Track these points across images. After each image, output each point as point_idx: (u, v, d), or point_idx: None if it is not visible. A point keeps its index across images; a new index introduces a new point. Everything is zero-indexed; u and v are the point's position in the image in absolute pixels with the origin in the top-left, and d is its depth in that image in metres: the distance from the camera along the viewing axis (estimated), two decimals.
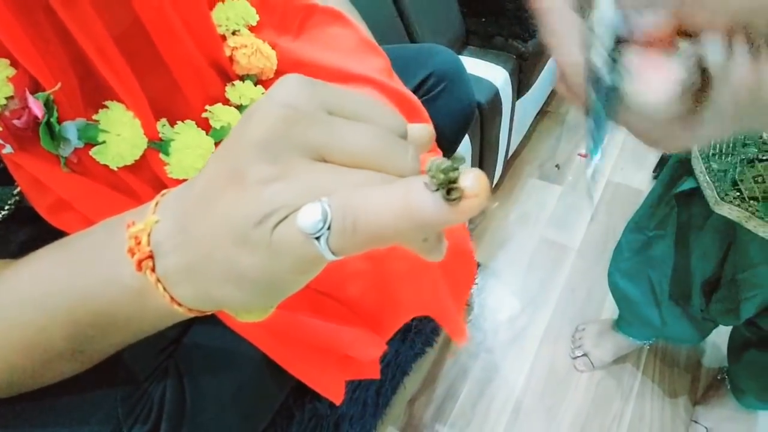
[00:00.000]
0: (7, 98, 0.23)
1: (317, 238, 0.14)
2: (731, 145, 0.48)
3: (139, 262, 0.18)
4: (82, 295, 0.21)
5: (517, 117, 1.02)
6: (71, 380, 0.26)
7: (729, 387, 0.79)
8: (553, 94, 1.35)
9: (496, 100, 0.83)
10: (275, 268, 0.16)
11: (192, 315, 0.20)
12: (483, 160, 0.93)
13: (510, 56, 0.88)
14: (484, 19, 0.84)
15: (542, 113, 1.38)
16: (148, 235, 0.18)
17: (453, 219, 0.15)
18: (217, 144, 0.32)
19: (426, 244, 0.18)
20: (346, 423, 0.56)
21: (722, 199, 0.51)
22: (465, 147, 0.75)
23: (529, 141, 1.34)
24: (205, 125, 0.32)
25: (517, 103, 0.98)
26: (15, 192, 0.32)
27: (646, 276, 0.72)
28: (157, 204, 0.20)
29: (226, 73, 0.33)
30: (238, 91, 0.33)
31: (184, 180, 0.32)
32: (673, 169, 0.62)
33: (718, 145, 0.50)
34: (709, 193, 0.52)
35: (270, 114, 0.16)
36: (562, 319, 0.99)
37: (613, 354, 0.90)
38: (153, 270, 0.18)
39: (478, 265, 0.90)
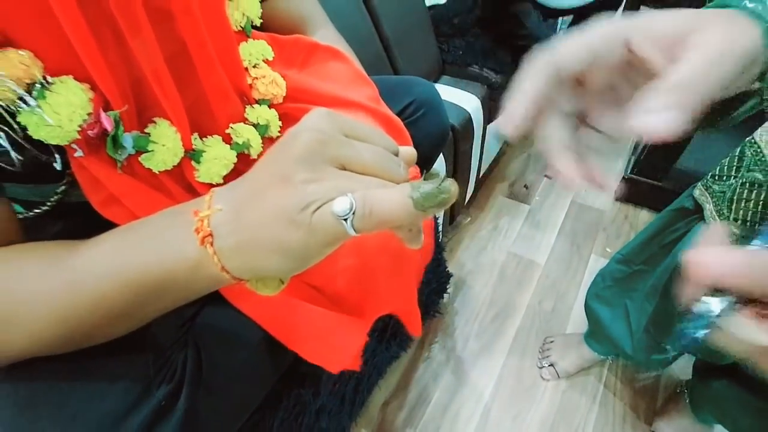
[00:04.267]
0: (87, 114, 0.31)
1: (345, 220, 0.23)
2: None
3: (203, 239, 0.26)
4: (149, 266, 0.28)
5: (488, 140, 1.14)
6: (109, 345, 0.33)
7: (688, 401, 0.86)
8: None
9: (468, 123, 0.95)
10: (311, 241, 0.25)
11: (233, 282, 0.28)
12: (456, 177, 1.04)
13: (482, 85, 1.00)
14: (461, 52, 0.96)
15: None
16: (209, 219, 0.27)
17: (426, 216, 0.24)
18: (238, 156, 0.40)
19: (411, 234, 0.28)
20: (325, 414, 0.63)
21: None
22: (440, 164, 0.85)
23: (500, 162, 1.48)
24: (227, 140, 0.41)
25: (488, 126, 1.11)
26: (59, 190, 0.39)
27: (623, 305, 0.80)
28: (210, 198, 0.28)
29: (247, 98, 0.42)
30: (255, 113, 0.42)
31: (209, 184, 0.40)
32: (670, 216, 0.67)
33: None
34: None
35: (307, 137, 0.25)
36: (529, 330, 1.09)
37: (577, 366, 0.99)
38: (212, 245, 0.27)
39: (450, 275, 0.99)
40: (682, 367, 0.98)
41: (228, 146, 0.40)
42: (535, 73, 0.25)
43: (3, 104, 0.28)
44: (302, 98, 0.45)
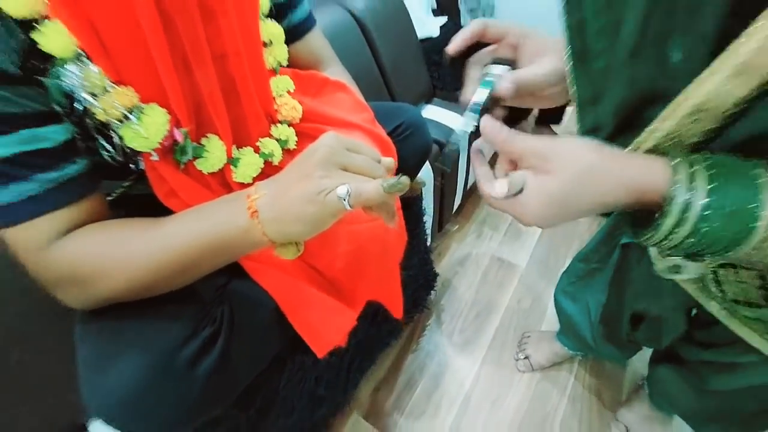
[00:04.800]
0: (166, 130, 0.44)
1: (344, 200, 0.37)
2: None
3: (252, 213, 0.40)
4: (215, 231, 0.42)
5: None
6: (169, 297, 0.46)
7: (647, 392, 0.95)
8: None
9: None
10: (323, 213, 0.38)
11: (267, 245, 0.42)
12: (444, 188, 1.17)
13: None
14: (449, 78, 1.11)
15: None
16: (256, 201, 0.40)
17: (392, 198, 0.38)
18: (265, 162, 0.54)
19: (388, 214, 0.41)
20: (323, 383, 0.75)
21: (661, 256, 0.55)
22: (427, 175, 0.99)
23: None
24: (257, 150, 0.54)
25: (476, 142, 1.24)
26: (124, 185, 0.53)
27: (585, 300, 0.89)
28: (255, 188, 0.41)
29: (273, 119, 0.56)
30: (278, 131, 0.55)
31: (241, 183, 0.53)
32: (617, 218, 0.73)
33: None
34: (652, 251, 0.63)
35: (322, 150, 0.39)
36: (508, 326, 1.21)
37: (550, 360, 1.10)
38: (258, 217, 0.40)
39: (436, 274, 1.11)
40: (644, 366, 1.09)
41: (257, 155, 0.53)
42: (472, 26, 0.42)
43: (112, 120, 0.41)
44: (315, 120, 0.59)
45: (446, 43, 0.44)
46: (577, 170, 0.34)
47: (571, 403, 1.06)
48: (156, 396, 0.41)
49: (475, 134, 0.40)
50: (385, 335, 0.94)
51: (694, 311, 0.68)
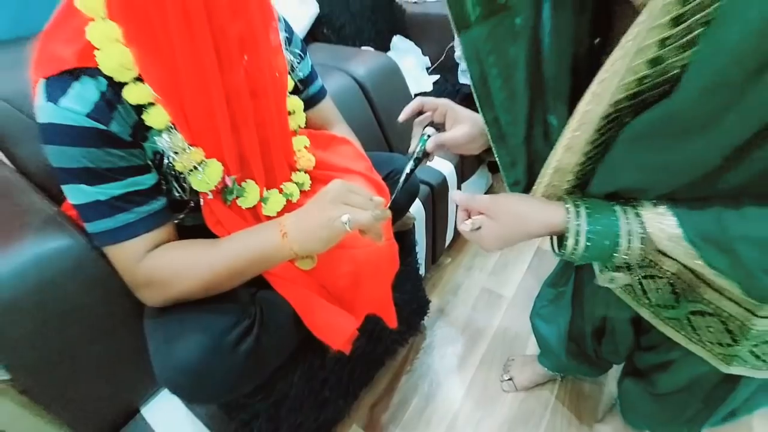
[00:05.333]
0: (221, 177, 0.62)
1: (345, 225, 0.54)
2: None
3: (283, 235, 0.57)
4: (256, 247, 0.59)
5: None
6: (218, 297, 0.62)
7: (619, 409, 1.03)
8: (496, 179, 1.83)
9: (444, 183, 1.27)
10: (332, 234, 0.56)
11: (293, 257, 0.59)
12: (435, 226, 1.35)
13: (455, 154, 1.33)
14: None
15: (488, 192, 1.84)
16: (286, 225, 0.58)
17: (379, 223, 0.56)
18: (287, 200, 0.72)
19: (377, 236, 0.59)
20: (328, 386, 0.90)
21: (601, 271, 0.67)
22: (418, 213, 1.16)
23: None
24: (280, 191, 0.72)
25: (463, 185, 1.43)
26: (180, 217, 0.70)
27: (557, 321, 1.00)
28: (285, 217, 0.59)
29: (293, 168, 0.74)
30: (297, 177, 0.74)
31: (269, 216, 0.71)
32: None
33: None
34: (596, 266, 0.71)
35: (332, 192, 0.57)
36: (495, 351, 1.34)
37: (533, 381, 1.22)
38: (287, 237, 0.57)
39: (428, 300, 1.27)
40: None
41: (281, 195, 0.71)
42: (414, 102, 0.62)
43: (186, 170, 0.60)
44: (325, 168, 0.78)
45: (438, 96, 0.65)
46: (511, 216, 0.53)
47: (551, 421, 1.17)
48: (209, 367, 0.56)
49: (410, 173, 0.65)
50: (381, 352, 1.08)
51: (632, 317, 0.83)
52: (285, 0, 1.39)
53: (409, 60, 1.75)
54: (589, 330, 0.92)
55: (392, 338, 1.11)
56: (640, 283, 0.63)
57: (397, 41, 1.80)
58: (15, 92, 0.80)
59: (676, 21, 0.31)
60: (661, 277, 0.59)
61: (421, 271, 1.29)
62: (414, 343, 1.35)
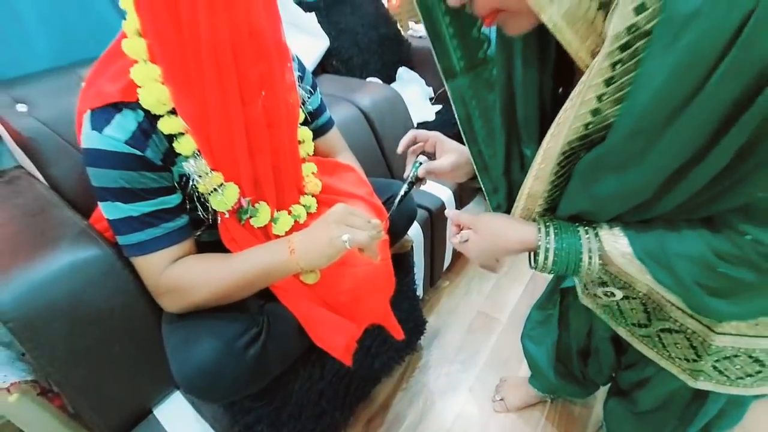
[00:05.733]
0: (237, 199, 0.71)
1: (346, 243, 0.62)
2: None
3: (291, 251, 0.65)
4: (266, 262, 0.67)
5: None
6: (230, 306, 0.69)
7: (605, 429, 1.10)
8: None
9: (442, 209, 1.35)
10: (334, 251, 0.64)
11: (299, 271, 0.67)
12: (434, 249, 1.42)
13: (454, 182, 1.42)
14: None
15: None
16: (293, 243, 0.66)
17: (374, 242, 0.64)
18: (295, 222, 0.79)
19: (373, 253, 0.67)
20: (324, 397, 0.96)
21: (583, 293, 0.78)
22: (417, 236, 1.24)
23: None
24: (289, 212, 0.80)
25: (461, 211, 1.51)
26: (198, 233, 0.78)
27: (545, 342, 1.06)
28: (293, 235, 0.67)
29: (301, 192, 0.83)
30: (304, 200, 0.82)
31: (278, 234, 0.78)
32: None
33: None
34: (579, 288, 0.80)
35: (335, 214, 0.65)
36: (489, 372, 1.39)
37: (524, 401, 1.27)
38: (294, 253, 0.65)
39: (425, 321, 1.33)
40: None
41: (290, 216, 0.79)
42: (409, 134, 0.71)
43: (207, 192, 0.68)
44: (330, 193, 0.86)
45: (440, 126, 0.73)
46: (492, 233, 0.61)
47: None
48: (221, 368, 0.63)
49: (404, 195, 0.74)
50: (378, 369, 1.14)
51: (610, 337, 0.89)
52: (299, 35, 1.51)
53: (413, 90, 1.86)
54: (575, 349, 0.99)
55: (389, 355, 1.17)
56: (618, 304, 0.70)
57: (402, 72, 1.91)
58: (54, 117, 0.90)
59: (608, 82, 0.39)
60: (635, 298, 0.66)
61: (419, 292, 1.35)
62: (410, 362, 1.40)
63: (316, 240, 0.66)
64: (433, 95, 1.97)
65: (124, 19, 0.61)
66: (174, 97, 0.62)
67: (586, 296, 0.79)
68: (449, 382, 1.36)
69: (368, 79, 1.72)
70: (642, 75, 0.36)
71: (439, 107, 1.86)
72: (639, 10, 0.35)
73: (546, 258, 0.56)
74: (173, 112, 0.63)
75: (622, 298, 0.67)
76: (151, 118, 0.62)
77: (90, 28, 1.08)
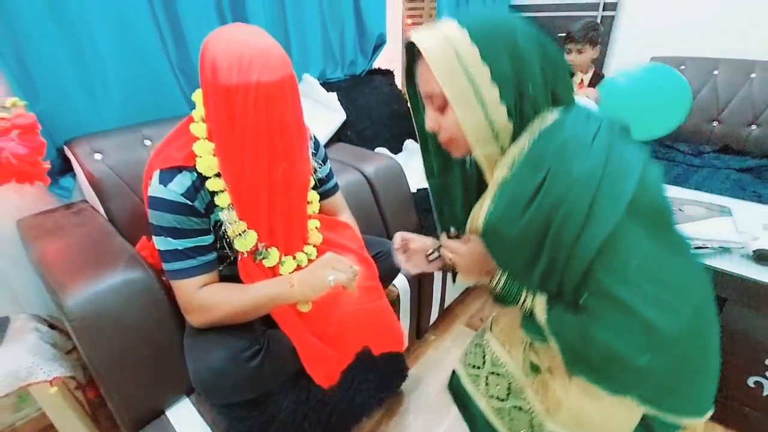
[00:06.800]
0: (255, 244, 0.93)
1: (331, 282, 0.84)
2: None
3: (291, 285, 0.87)
4: (272, 293, 0.89)
5: (450, 283, 1.72)
6: (239, 325, 0.90)
7: None
8: None
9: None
10: (322, 287, 0.87)
11: (299, 299, 0.88)
12: (420, 303, 1.60)
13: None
14: (432, 223, 1.62)
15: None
16: (294, 280, 0.87)
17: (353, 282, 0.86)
18: (297, 265, 1.01)
19: (352, 289, 0.88)
20: (308, 421, 1.12)
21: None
22: (403, 287, 1.44)
23: (466, 298, 2.04)
24: (294, 258, 1.02)
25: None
26: (220, 268, 1.00)
27: None
28: (293, 273, 0.89)
29: (305, 242, 1.05)
30: (308, 249, 1.04)
31: (284, 273, 0.99)
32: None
33: None
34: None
35: (326, 260, 0.88)
36: (462, 423, 1.51)
37: None
38: (294, 287, 0.87)
39: (408, 368, 1.49)
40: None
41: (294, 261, 1.01)
42: (399, 234, 0.90)
43: (234, 236, 0.90)
44: (328, 244, 1.08)
45: None
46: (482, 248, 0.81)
47: None
48: (228, 372, 0.83)
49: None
50: (358, 404, 1.29)
51: None
52: (321, 109, 1.80)
53: (418, 160, 2.12)
54: None
55: (369, 393, 1.32)
56: (486, 378, 0.91)
57: (409, 143, 2.19)
58: (119, 164, 1.17)
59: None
60: (504, 377, 0.87)
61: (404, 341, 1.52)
62: (391, 406, 1.54)
63: (310, 278, 0.87)
64: None
65: (194, 108, 0.88)
66: (220, 165, 0.86)
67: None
68: (429, 425, 1.49)
69: (377, 149, 1.99)
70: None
71: None
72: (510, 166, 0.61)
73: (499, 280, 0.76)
74: (218, 174, 0.87)
75: (491, 373, 0.88)
76: (202, 179, 0.86)
77: (155, 96, 1.38)
